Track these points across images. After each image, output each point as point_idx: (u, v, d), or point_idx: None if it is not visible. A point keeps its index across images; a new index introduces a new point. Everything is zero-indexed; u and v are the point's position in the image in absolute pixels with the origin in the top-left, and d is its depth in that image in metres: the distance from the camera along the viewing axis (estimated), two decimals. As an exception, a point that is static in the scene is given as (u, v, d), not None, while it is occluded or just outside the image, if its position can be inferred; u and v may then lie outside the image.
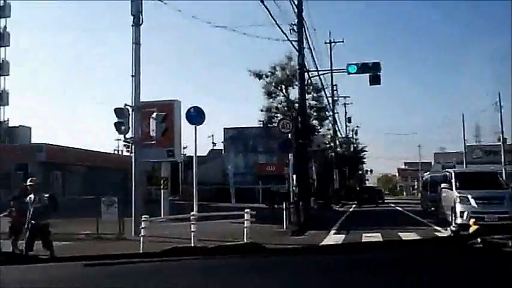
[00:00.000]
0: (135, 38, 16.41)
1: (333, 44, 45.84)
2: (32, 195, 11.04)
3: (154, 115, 15.85)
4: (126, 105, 15.92)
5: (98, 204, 17.27)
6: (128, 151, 69.39)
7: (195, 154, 14.56)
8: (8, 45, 53.55)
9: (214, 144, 68.61)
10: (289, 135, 20.28)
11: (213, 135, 68.76)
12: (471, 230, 7.40)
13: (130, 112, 16.03)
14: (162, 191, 23.28)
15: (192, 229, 12.38)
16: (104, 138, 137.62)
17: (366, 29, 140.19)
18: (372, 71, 21.76)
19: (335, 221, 22.13)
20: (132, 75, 16.35)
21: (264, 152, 52.34)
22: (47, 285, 1.46)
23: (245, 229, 13.25)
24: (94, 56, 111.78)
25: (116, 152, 63.52)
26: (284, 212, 17.99)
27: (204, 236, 13.05)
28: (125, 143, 72.13)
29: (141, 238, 11.91)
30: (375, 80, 21.82)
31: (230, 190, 41.19)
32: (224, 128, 51.46)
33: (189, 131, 23.37)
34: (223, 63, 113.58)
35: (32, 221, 10.86)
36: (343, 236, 15.97)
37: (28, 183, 11.34)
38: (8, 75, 53.49)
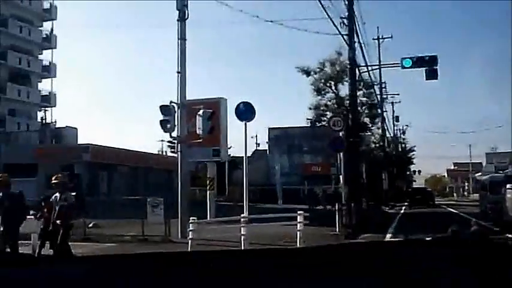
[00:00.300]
0: (180, 33, 15.86)
1: (380, 41, 44.54)
2: (57, 194, 10.31)
3: (200, 112, 15.24)
4: (171, 102, 15.38)
5: (143, 205, 16.82)
6: (172, 152, 69.81)
7: (245, 153, 13.88)
8: (55, 48, 54.38)
9: (258, 144, 68.01)
10: (341, 133, 19.38)
11: (256, 136, 68.20)
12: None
13: (176, 109, 15.47)
14: (208, 192, 22.72)
15: (243, 232, 11.65)
16: (147, 140, 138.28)
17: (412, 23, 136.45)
18: (428, 65, 20.68)
19: (389, 224, 21.10)
20: (178, 72, 15.80)
21: (309, 152, 51.41)
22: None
23: (298, 232, 12.45)
24: (138, 55, 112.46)
25: (160, 153, 63.70)
26: (336, 213, 17.08)
27: (255, 239, 12.31)
28: (169, 144, 72.77)
29: (189, 241, 11.27)
30: (431, 74, 20.74)
31: (276, 191, 40.35)
32: (269, 128, 50.87)
33: (233, 131, 22.85)
34: (269, 60, 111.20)
35: (57, 221, 10.15)
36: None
37: (53, 180, 10.50)
38: (55, 77, 54.31)
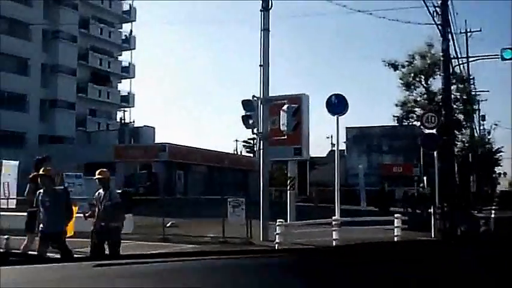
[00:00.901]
0: (263, 23, 15.02)
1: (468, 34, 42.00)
2: (101, 191, 9.20)
3: (285, 107, 14.32)
4: (254, 96, 14.56)
5: (221, 205, 16.19)
6: (247, 151, 69.96)
7: (337, 148, 12.89)
8: (134, 49, 55.40)
9: (333, 145, 66.70)
10: (434, 130, 17.90)
11: (332, 136, 66.78)
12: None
13: (258, 105, 14.64)
14: (288, 192, 21.83)
15: (335, 236, 10.62)
16: (222, 139, 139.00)
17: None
18: (530, 56, 18.83)
19: (485, 229, 19.35)
20: (260, 65, 14.95)
21: (390, 152, 49.62)
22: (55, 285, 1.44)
23: (395, 238, 11.27)
24: (216, 52, 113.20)
25: (235, 153, 63.65)
26: (432, 217, 15.67)
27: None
28: (244, 144, 72.77)
29: (276, 245, 10.35)
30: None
31: (356, 192, 38.87)
32: (346, 128, 49.34)
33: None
34: (352, 55, 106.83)
35: (102, 223, 9.07)
36: None
37: (96, 176, 9.32)
38: (133, 77, 55.31)
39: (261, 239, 14.44)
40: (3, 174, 20.42)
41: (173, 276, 1.48)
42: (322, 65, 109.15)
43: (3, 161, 21.09)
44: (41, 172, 8.97)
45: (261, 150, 15.16)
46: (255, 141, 68.52)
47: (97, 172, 9.33)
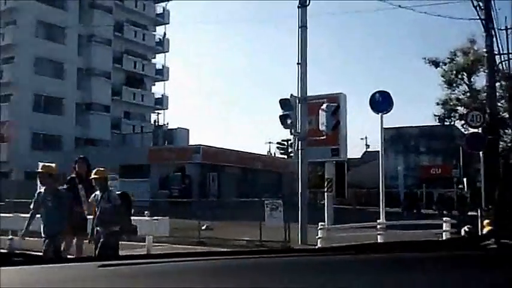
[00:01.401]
0: (301, 20, 14.59)
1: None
2: (97, 192, 8.34)
3: (324, 106, 13.86)
4: (291, 95, 14.14)
5: (256, 207, 15.83)
6: (281, 153, 69.52)
7: (381, 148, 12.39)
8: (167, 51, 55.63)
9: (367, 146, 65.75)
10: (479, 130, 17.17)
11: (366, 137, 65.84)
12: (485, 230, 7.09)
13: (296, 104, 14.21)
14: (325, 194, 21.33)
15: (380, 240, 10.12)
16: (255, 141, 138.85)
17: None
18: None
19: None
20: (298, 63, 14.53)
21: (427, 153, 48.57)
22: (61, 285, 1.45)
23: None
24: (250, 53, 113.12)
25: (269, 155, 63.33)
26: (479, 221, 14.94)
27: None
28: (278, 146, 72.32)
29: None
30: None
31: (399, 194, 37.99)
32: (383, 128, 48.53)
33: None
34: (386, 52, 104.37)
35: (97, 228, 8.24)
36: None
37: (93, 175, 8.42)
38: (167, 80, 55.53)
39: (300, 243, 14.02)
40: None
41: (178, 277, 1.48)
42: (354, 63, 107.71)
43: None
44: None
45: (299, 151, 14.68)
46: (288, 142, 68.34)
47: (93, 171, 8.50)
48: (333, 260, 1.62)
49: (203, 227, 17.50)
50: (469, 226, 10.31)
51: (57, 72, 45.74)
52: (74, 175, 9.30)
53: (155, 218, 13.13)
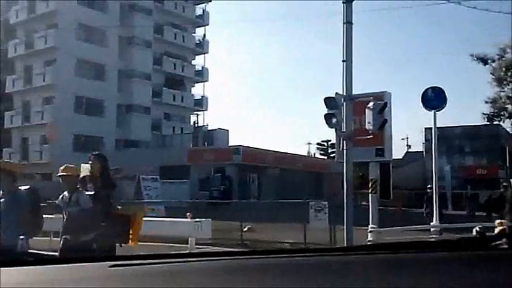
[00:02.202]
0: (346, 16, 14.06)
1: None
2: (66, 193, 7.03)
3: (370, 105, 13.31)
4: (337, 93, 13.65)
5: (299, 208, 15.46)
6: (321, 154, 68.86)
7: (435, 146, 11.76)
8: (207, 53, 55.70)
9: (409, 146, 64.54)
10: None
11: (407, 138, 64.60)
12: (496, 230, 7.15)
13: (341, 102, 13.71)
14: (370, 195, 20.76)
15: (434, 245, 9.63)
16: (294, 142, 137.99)
17: None
18: None
19: None
20: (343, 60, 14.00)
21: (472, 154, 47.17)
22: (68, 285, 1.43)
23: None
24: (289, 51, 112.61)
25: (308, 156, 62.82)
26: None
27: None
28: (318, 146, 71.66)
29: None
30: None
31: (445, 195, 36.96)
32: (425, 128, 47.28)
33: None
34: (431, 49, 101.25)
35: (64, 236, 6.92)
36: None
37: (60, 172, 7.04)
38: (207, 81, 55.59)
39: (345, 245, 13.52)
40: (82, 178, 20.48)
41: (188, 277, 1.47)
42: (389, 61, 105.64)
43: (82, 164, 21.20)
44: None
45: (344, 151, 14.18)
46: (328, 143, 67.59)
47: (61, 168, 7.09)
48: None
49: (245, 229, 17.22)
50: (480, 226, 9.80)
51: (98, 75, 46.34)
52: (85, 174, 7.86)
53: (197, 219, 12.89)
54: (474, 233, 8.16)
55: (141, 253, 1.74)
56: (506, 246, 1.59)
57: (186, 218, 13.13)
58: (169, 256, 1.71)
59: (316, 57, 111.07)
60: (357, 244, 8.78)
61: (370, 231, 9.60)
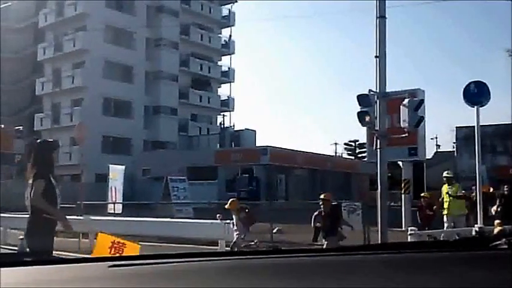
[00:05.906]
0: (379, 10, 13.61)
1: None
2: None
3: (406, 102, 12.82)
4: (370, 91, 13.21)
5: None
6: (348, 154, 68.11)
7: (478, 145, 11.25)
8: (233, 53, 55.51)
9: (438, 146, 63.39)
10: None
11: (436, 137, 63.44)
12: (495, 230, 7.17)
13: (375, 100, 13.26)
14: (402, 196, 20.28)
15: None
16: (319, 142, 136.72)
17: None
18: None
19: None
20: (376, 56, 13.54)
21: (504, 153, 45.95)
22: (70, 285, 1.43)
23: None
24: (311, 52, 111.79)
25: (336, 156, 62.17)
26: None
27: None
28: (346, 146, 70.87)
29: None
30: None
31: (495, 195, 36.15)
32: (456, 127, 46.28)
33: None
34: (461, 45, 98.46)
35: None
36: None
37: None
38: (233, 82, 55.41)
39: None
40: (110, 179, 20.45)
41: (189, 277, 1.47)
42: (427, 56, 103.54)
43: (111, 165, 21.13)
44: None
45: (378, 150, 13.71)
46: (356, 143, 66.81)
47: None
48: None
49: (274, 230, 16.85)
50: (479, 226, 9.31)
51: (126, 76, 46.52)
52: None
53: (227, 221, 12.57)
54: (473, 232, 7.89)
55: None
56: (505, 246, 1.59)
57: (216, 219, 12.83)
58: (170, 256, 1.69)
59: (342, 56, 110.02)
60: (358, 244, 8.37)
61: (411, 234, 9.12)
